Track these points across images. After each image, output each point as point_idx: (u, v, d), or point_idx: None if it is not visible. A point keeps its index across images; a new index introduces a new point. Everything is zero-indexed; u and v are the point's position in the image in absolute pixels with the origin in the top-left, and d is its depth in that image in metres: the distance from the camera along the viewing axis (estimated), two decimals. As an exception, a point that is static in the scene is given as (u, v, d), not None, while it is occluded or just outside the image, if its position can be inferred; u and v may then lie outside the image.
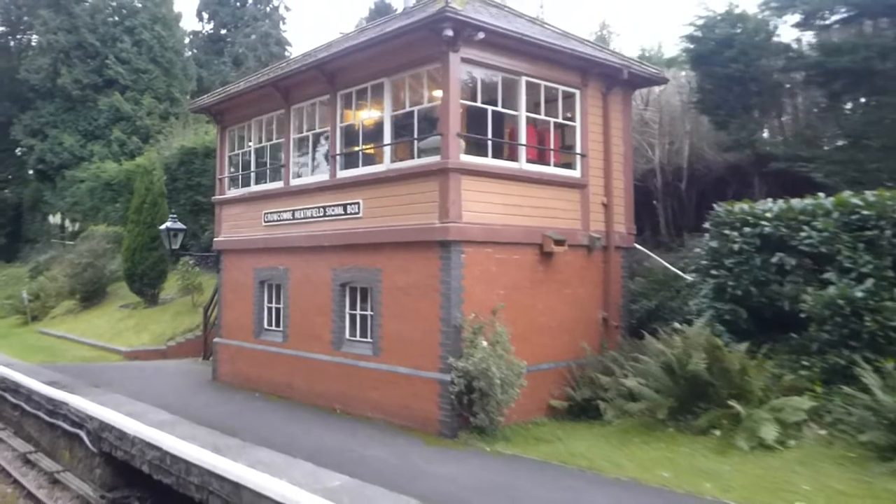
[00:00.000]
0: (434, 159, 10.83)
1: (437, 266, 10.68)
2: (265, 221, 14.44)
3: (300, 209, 13.42)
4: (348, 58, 12.00)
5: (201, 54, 51.54)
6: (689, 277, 12.56)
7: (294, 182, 13.79)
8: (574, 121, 12.43)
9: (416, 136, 11.39)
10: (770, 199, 10.28)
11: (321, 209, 12.89)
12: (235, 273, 15.49)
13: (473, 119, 11.35)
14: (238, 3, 53.27)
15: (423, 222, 10.85)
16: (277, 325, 14.34)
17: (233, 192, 15.82)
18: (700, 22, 13.12)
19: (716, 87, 12.95)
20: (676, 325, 10.76)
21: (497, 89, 11.27)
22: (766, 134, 13.02)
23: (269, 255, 14.33)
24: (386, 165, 11.70)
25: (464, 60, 10.69)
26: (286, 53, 53.62)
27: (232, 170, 16.13)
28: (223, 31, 53.35)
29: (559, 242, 11.65)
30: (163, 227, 15.68)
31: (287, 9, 55.18)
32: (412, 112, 11.37)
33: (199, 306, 22.67)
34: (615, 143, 12.99)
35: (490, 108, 11.15)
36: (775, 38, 12.43)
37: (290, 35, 63.51)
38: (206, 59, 51.17)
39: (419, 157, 11.38)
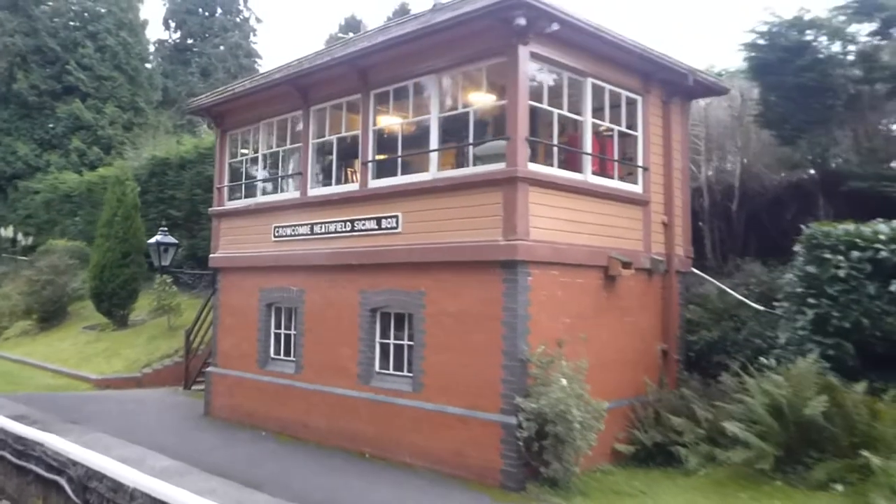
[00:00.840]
0: (496, 167, 9.44)
1: (500, 290, 9.24)
2: (276, 236, 12.79)
3: (321, 223, 11.84)
4: (387, 52, 10.55)
5: (167, 64, 49.36)
6: (757, 306, 11.36)
7: (313, 192, 12.21)
8: (635, 130, 11.18)
9: (471, 140, 9.96)
10: (880, 221, 9.14)
11: (348, 223, 11.33)
12: (236, 294, 13.76)
13: (532, 124, 9.99)
14: (206, 13, 51.37)
15: (481, 239, 9.42)
16: (288, 353, 12.66)
17: (234, 204, 14.13)
18: (764, 28, 12.07)
19: (782, 99, 11.87)
20: (764, 360, 9.51)
21: (562, 91, 9.95)
22: (835, 150, 11.95)
23: (280, 275, 12.67)
24: (432, 174, 10.24)
25: (532, 56, 9.36)
26: (256, 66, 51.90)
27: (233, 179, 14.44)
28: (190, 41, 51.29)
29: (626, 265, 10.33)
30: (152, 240, 13.91)
31: (258, 20, 53.54)
32: (466, 114, 9.95)
33: (176, 329, 20.72)
34: (675, 157, 11.80)
35: (556, 111, 9.82)
36: (852, 47, 11.43)
37: (262, 47, 61.75)
38: (171, 70, 49.00)
39: (475, 164, 9.94)
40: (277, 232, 12.75)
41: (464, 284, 9.68)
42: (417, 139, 10.97)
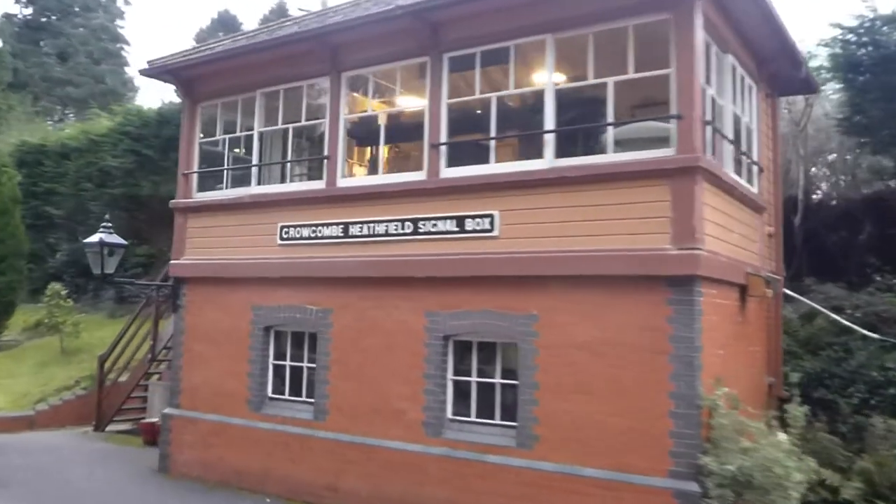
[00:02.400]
0: (661, 154, 7.25)
1: (664, 314, 7.03)
2: (283, 239, 9.77)
3: (361, 223, 9.04)
4: (479, 2, 8.12)
5: (16, 42, 42.62)
6: (872, 335, 9.93)
7: (346, 183, 9.39)
8: (751, 123, 9.42)
9: (612, 120, 7.68)
10: None
11: (408, 224, 8.66)
12: (212, 313, 10.50)
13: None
14: (66, -12, 45.12)
15: (636, 247, 7.18)
16: (297, 392, 9.65)
17: (210, 196, 10.86)
18: (854, 23, 10.80)
19: (877, 102, 10.63)
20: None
21: (710, 66, 7.95)
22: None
23: (289, 289, 9.66)
24: (549, 162, 7.86)
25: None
26: (123, 52, 46.39)
27: (208, 163, 11.17)
28: (44, 19, 44.80)
29: (768, 284, 8.49)
30: (92, 239, 10.32)
31: (127, 2, 47.81)
32: (602, 85, 7.66)
33: (72, 354, 16.63)
34: (777, 159, 10.19)
35: (709, 89, 7.81)
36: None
37: (131, 32, 54.97)
38: (21, 49, 42.37)
39: (615, 150, 7.67)
40: (286, 233, 9.74)
41: (605, 306, 7.37)
42: (519, 117, 8.56)
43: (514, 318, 7.87)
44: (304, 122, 9.99)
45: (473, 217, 8.20)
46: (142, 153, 19.86)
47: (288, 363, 9.82)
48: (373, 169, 9.70)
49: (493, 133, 8.28)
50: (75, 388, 15.20)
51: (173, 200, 11.19)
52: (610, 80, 7.60)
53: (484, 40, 8.36)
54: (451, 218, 8.36)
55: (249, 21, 67.31)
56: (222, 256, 10.42)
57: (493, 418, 8.11)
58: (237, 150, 10.96)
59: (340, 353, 9.14)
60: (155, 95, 52.39)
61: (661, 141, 7.46)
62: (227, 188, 10.80)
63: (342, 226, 9.21)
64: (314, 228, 9.47)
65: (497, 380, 8.12)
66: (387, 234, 8.83)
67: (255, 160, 10.38)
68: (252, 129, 10.44)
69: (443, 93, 8.60)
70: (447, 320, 8.33)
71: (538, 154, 8.05)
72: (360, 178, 9.45)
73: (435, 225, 8.47)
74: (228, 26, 62.96)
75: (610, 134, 7.66)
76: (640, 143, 7.53)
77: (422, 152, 9.06)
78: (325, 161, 9.51)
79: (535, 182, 7.89)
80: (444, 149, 8.56)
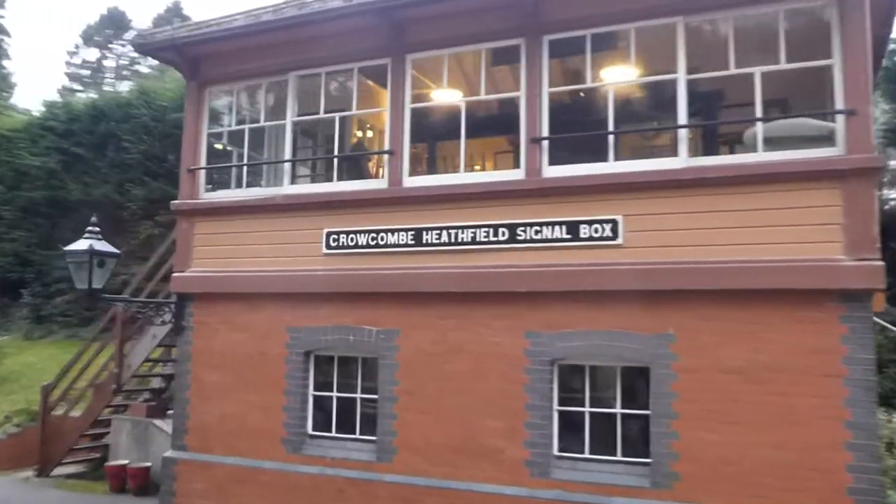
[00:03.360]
0: (825, 153, 6.49)
1: (838, 332, 6.26)
2: (330, 247, 8.30)
3: (438, 228, 7.76)
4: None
5: None
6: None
7: (413, 182, 8.07)
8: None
9: (760, 115, 6.84)
10: None
11: (504, 230, 7.47)
12: (230, 336, 8.80)
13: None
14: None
15: (796, 257, 6.38)
16: (348, 428, 8.18)
17: (225, 196, 9.17)
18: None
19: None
20: None
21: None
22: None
23: (337, 307, 8.20)
24: (684, 161, 6.93)
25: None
26: (4, 45, 41.92)
27: (217, 159, 9.47)
28: None
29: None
30: (79, 246, 8.25)
31: (7, -8, 43.18)
32: (750, 75, 6.82)
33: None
34: None
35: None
36: None
37: (12, 23, 49.51)
38: None
39: (763, 149, 6.83)
40: (334, 241, 8.28)
41: (759, 324, 6.50)
42: (640, 110, 7.58)
43: (646, 339, 6.85)
44: (355, 111, 8.58)
45: (590, 223, 7.14)
46: (69, 151, 17.31)
47: (335, 394, 8.32)
48: (427, 168, 8.46)
49: (610, 127, 7.26)
50: (6, 426, 12.75)
51: (176, 202, 9.38)
52: (757, 71, 6.79)
53: (595, 21, 7.36)
54: (560, 224, 7.25)
55: (140, 20, 63.41)
56: (243, 268, 8.77)
57: (613, 454, 7.04)
58: (224, 147, 9.35)
59: (411, 382, 7.77)
60: (32, 92, 47.21)
61: (812, 140, 6.72)
62: (244, 187, 9.15)
63: (413, 232, 7.88)
64: (374, 235, 8.07)
65: (618, 410, 7.06)
66: (474, 243, 7.60)
67: (287, 154, 8.83)
68: (279, 119, 8.89)
69: (543, 80, 7.49)
70: (554, 342, 7.19)
71: (653, 152, 7.15)
72: (433, 177, 8.13)
73: (539, 231, 7.33)
74: (118, 23, 58.95)
75: (759, 131, 6.83)
76: (787, 142, 6.75)
77: (458, 152, 7.98)
78: (388, 158, 8.14)
79: (665, 183, 6.93)
80: (545, 144, 7.45)
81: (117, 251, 8.97)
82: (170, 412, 10.92)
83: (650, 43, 7.24)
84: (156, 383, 12.32)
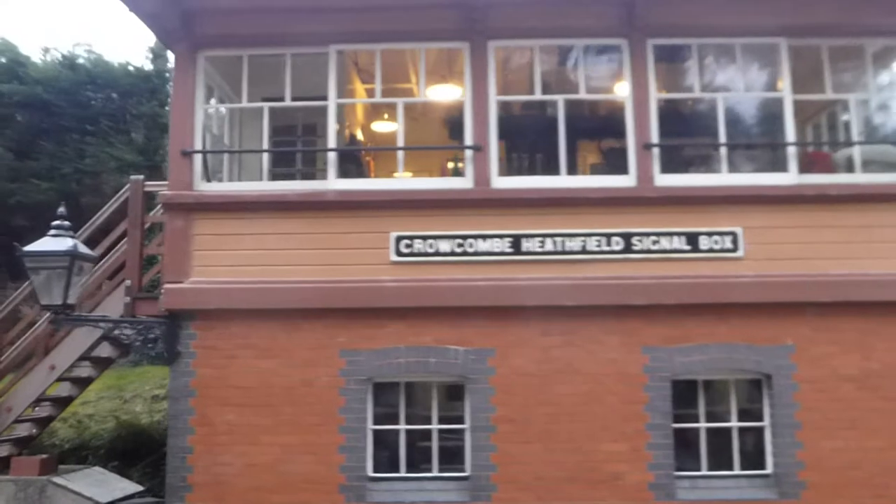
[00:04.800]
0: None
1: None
2: (402, 254, 7.05)
3: (542, 236, 7.03)
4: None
5: None
6: None
7: (504, 183, 7.20)
8: None
9: (857, 138, 7.27)
10: None
11: (619, 239, 7.01)
12: (254, 363, 6.99)
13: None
14: None
15: (901, 271, 6.97)
16: (419, 465, 6.99)
17: (236, 188, 7.32)
18: None
19: None
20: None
21: None
22: None
23: (410, 324, 6.99)
24: (794, 177, 7.14)
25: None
26: None
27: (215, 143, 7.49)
28: None
29: None
30: (55, 246, 5.61)
31: None
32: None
33: None
34: None
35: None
36: None
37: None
38: None
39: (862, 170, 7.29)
40: (406, 246, 7.06)
41: (871, 334, 6.95)
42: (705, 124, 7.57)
43: (767, 351, 6.92)
44: (425, 96, 7.41)
45: (710, 234, 7.02)
46: None
47: (403, 427, 7.06)
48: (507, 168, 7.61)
49: (722, 139, 7.22)
50: None
51: (166, 193, 7.23)
52: (851, 98, 7.30)
53: (699, 32, 7.29)
54: (680, 234, 7.02)
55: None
56: (272, 278, 7.07)
57: (729, 468, 6.97)
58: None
59: (512, 408, 6.90)
60: None
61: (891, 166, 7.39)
62: (265, 179, 7.42)
63: (511, 239, 7.03)
64: (461, 241, 7.05)
65: (734, 423, 7.02)
66: (584, 252, 7.02)
67: (330, 142, 7.32)
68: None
69: (650, 84, 7.22)
70: (673, 357, 6.93)
71: (750, 166, 7.32)
72: (531, 179, 7.25)
73: (656, 242, 7.02)
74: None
75: (857, 153, 7.30)
76: (874, 165, 7.35)
77: (545, 152, 7.53)
78: (474, 154, 7.17)
79: (780, 198, 7.09)
80: (656, 151, 7.17)
81: (94, 255, 6.67)
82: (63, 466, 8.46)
83: (757, 59, 7.38)
84: (22, 430, 9.36)
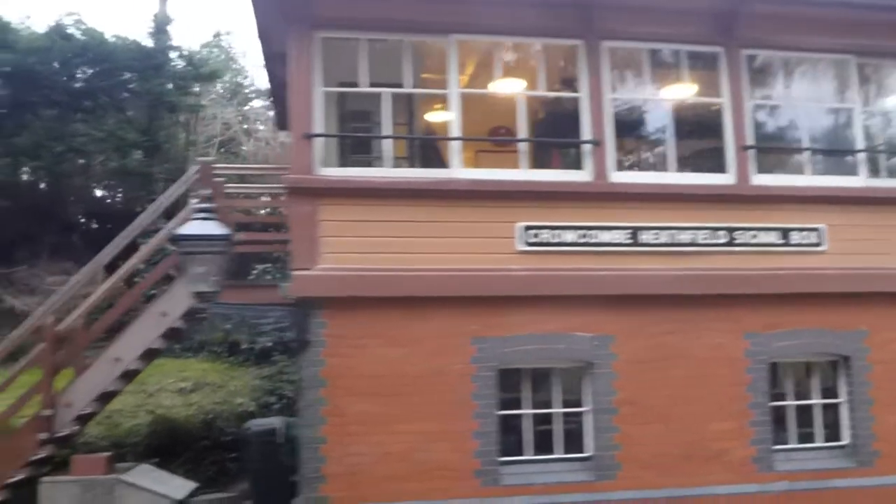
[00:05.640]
0: None
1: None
2: (530, 243, 7.24)
3: (657, 228, 7.46)
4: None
5: None
6: None
7: (621, 177, 7.55)
8: None
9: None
10: None
11: (723, 233, 7.58)
12: (383, 352, 6.92)
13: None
14: None
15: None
16: (546, 449, 7.23)
17: (363, 173, 7.19)
18: None
19: None
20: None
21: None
22: None
23: (536, 311, 7.20)
24: (864, 180, 8.01)
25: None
26: None
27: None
28: None
29: None
30: (210, 230, 5.14)
31: None
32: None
33: None
34: None
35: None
36: None
37: None
38: None
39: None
40: (534, 236, 7.26)
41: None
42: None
43: (846, 335, 7.75)
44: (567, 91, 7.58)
45: (800, 230, 7.74)
46: None
47: (529, 412, 7.26)
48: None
49: (805, 144, 7.96)
50: None
51: (291, 177, 6.97)
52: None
53: (786, 47, 8.01)
54: (774, 230, 7.69)
55: None
56: (400, 266, 7.04)
57: (812, 441, 7.75)
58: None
59: (632, 391, 7.28)
60: None
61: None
62: (388, 166, 7.36)
63: (630, 231, 7.41)
64: (585, 232, 7.34)
65: (818, 400, 7.80)
66: (693, 244, 7.52)
67: (455, 131, 7.36)
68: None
69: (744, 91, 7.84)
70: (770, 342, 7.60)
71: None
72: (646, 174, 7.65)
73: (755, 236, 7.65)
74: None
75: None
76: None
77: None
78: (592, 148, 7.47)
79: (851, 199, 7.93)
80: (752, 153, 7.80)
81: (226, 232, 6.38)
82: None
83: (830, 73, 8.18)
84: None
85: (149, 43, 14.17)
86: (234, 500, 8.48)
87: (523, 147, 7.54)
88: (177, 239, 5.91)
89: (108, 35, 14.07)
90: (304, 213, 6.95)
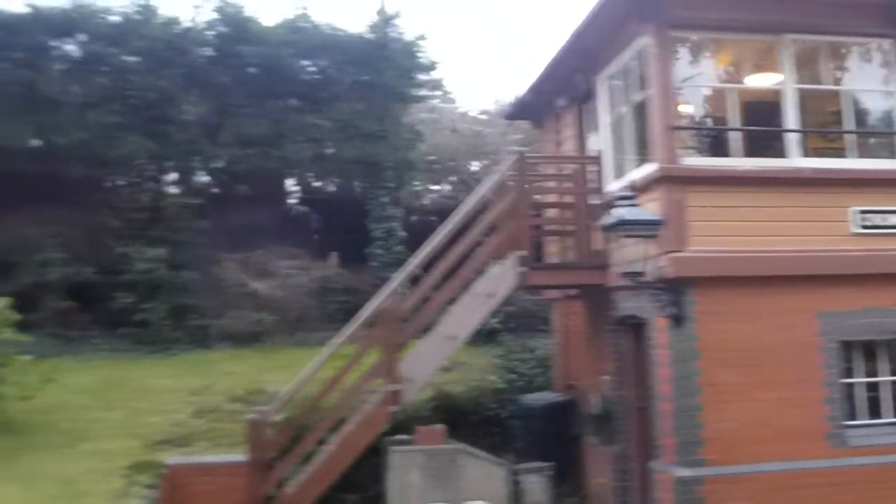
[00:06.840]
0: None
1: None
2: (863, 227, 7.92)
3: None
4: None
5: None
6: None
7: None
8: None
9: None
10: None
11: None
12: (744, 326, 7.60)
13: None
14: None
15: None
16: (881, 414, 7.96)
17: (724, 163, 7.83)
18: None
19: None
20: None
21: None
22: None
23: (873, 288, 7.89)
24: None
25: None
26: None
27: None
28: None
29: None
30: (631, 215, 5.66)
31: None
32: None
33: (27, 432, 8.92)
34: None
35: None
36: None
37: None
38: None
39: None
40: (865, 220, 7.94)
41: None
42: None
43: None
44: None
45: None
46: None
47: (864, 380, 7.98)
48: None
49: None
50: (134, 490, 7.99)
51: (663, 166, 7.57)
52: None
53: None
54: None
55: None
56: (753, 248, 7.70)
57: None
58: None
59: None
60: None
61: None
62: (734, 154, 7.97)
63: (950, 216, 8.10)
64: (904, 215, 8.02)
65: None
66: None
67: (791, 124, 7.98)
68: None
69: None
70: None
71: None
72: None
73: None
74: None
75: None
76: None
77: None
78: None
79: None
80: None
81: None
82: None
83: None
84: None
85: (370, 36, 14.65)
86: (544, 470, 9.11)
87: (850, 137, 8.18)
88: (617, 224, 6.51)
89: (332, 29, 14.60)
90: (676, 199, 7.56)
